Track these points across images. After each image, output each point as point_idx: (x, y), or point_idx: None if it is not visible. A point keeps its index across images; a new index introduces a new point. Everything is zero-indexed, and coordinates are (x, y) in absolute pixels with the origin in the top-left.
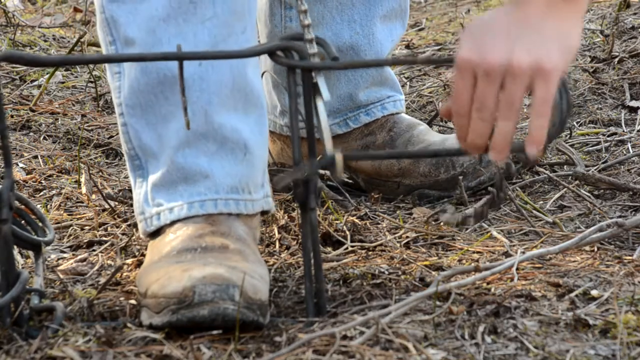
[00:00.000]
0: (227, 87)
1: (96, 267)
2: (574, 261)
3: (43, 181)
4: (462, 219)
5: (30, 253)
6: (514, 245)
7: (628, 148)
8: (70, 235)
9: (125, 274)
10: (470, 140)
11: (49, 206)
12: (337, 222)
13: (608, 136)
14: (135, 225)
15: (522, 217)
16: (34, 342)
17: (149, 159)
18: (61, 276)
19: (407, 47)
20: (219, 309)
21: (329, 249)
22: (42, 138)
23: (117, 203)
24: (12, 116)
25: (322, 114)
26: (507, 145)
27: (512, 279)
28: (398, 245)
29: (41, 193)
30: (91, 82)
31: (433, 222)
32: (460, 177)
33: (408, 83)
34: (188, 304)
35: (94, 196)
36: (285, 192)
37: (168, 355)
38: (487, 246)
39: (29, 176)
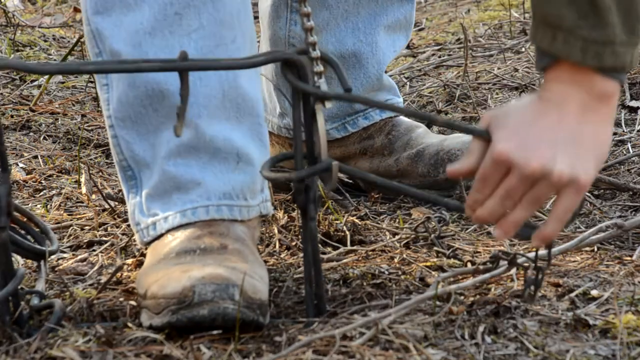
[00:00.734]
0: (216, 98)
1: (96, 267)
2: (574, 261)
3: (43, 181)
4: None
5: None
6: (514, 245)
7: (628, 148)
8: (70, 235)
9: (125, 274)
10: (481, 215)
11: (49, 206)
12: (337, 222)
13: None
14: None
15: None
16: (33, 342)
17: (142, 169)
18: (61, 276)
19: (407, 47)
20: (219, 309)
21: (329, 249)
22: (42, 138)
23: (117, 203)
24: (12, 116)
25: (320, 121)
26: (515, 229)
27: (511, 280)
28: (398, 245)
29: (41, 193)
30: (91, 82)
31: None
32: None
33: (408, 83)
34: (188, 304)
35: (94, 196)
36: (285, 192)
37: (168, 355)
38: (488, 246)
39: (29, 176)
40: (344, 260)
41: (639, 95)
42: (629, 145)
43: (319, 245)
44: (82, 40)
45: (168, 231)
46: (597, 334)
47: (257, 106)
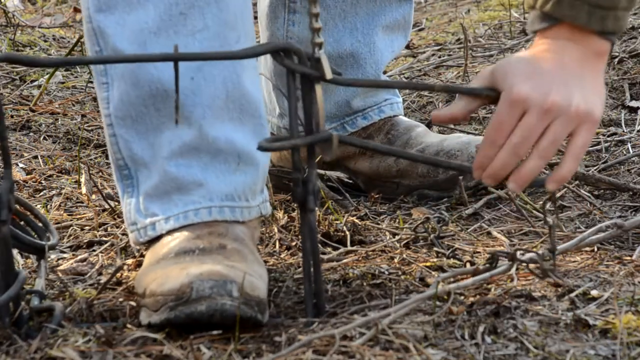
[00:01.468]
0: (220, 99)
1: (96, 267)
2: (574, 261)
3: (43, 181)
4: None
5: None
6: (514, 245)
7: (628, 148)
8: (70, 235)
9: (125, 274)
10: (493, 171)
11: (49, 206)
12: (337, 222)
13: (608, 136)
14: None
15: (522, 217)
16: (33, 343)
17: (140, 169)
18: (61, 276)
19: (407, 47)
20: (216, 305)
21: (329, 249)
22: (42, 138)
23: (117, 203)
24: (12, 116)
25: (319, 92)
26: (530, 180)
27: (511, 279)
28: (398, 245)
29: (41, 193)
30: (91, 82)
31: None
32: (460, 177)
33: None
34: (186, 300)
35: (94, 196)
36: (285, 192)
37: (168, 355)
38: (488, 246)
39: (29, 176)
40: (344, 260)
41: (639, 95)
42: (629, 145)
43: (319, 246)
44: (82, 40)
45: (168, 232)
46: (597, 334)
47: (260, 107)
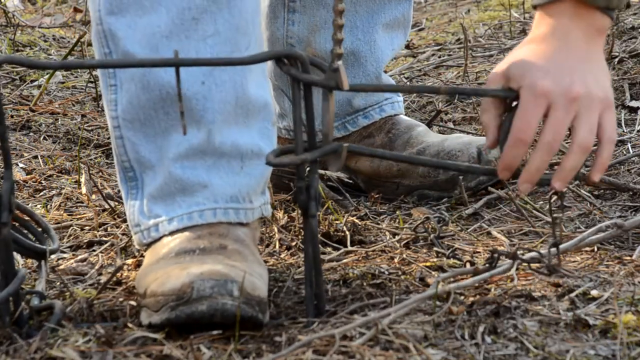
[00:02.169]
0: (230, 103)
1: (96, 267)
2: (574, 261)
3: (43, 181)
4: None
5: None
6: (514, 245)
7: (628, 148)
8: (70, 235)
9: (125, 274)
10: (529, 175)
11: (49, 206)
12: (337, 222)
13: None
14: None
15: (522, 217)
16: (33, 342)
17: (146, 171)
18: (61, 276)
19: (407, 47)
20: (217, 304)
21: (329, 249)
22: (42, 138)
23: (117, 203)
24: (12, 116)
25: (331, 104)
26: (572, 176)
27: (512, 280)
28: (398, 245)
29: (41, 193)
30: (91, 82)
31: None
32: (460, 177)
33: (408, 83)
34: (186, 300)
35: (94, 196)
36: (285, 192)
37: (168, 355)
38: (488, 246)
39: (29, 176)
40: (344, 261)
41: (639, 95)
42: (629, 145)
43: (319, 246)
44: (82, 40)
45: (170, 233)
46: (597, 334)
47: (265, 111)
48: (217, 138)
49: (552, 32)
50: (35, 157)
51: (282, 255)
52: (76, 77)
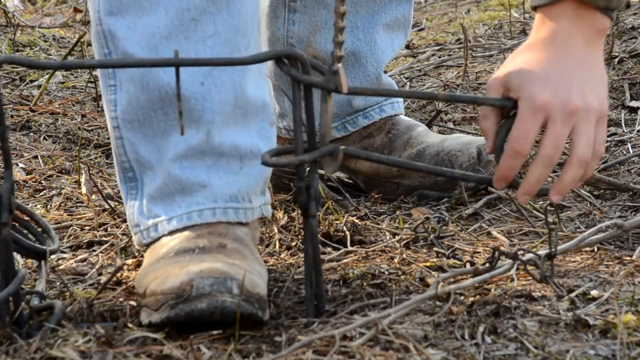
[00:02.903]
0: (229, 104)
1: (96, 267)
2: (574, 261)
3: (43, 181)
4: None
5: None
6: (514, 245)
7: (628, 148)
8: (70, 235)
9: (125, 274)
10: (529, 187)
11: (49, 206)
12: (337, 222)
13: (608, 136)
14: None
15: (522, 217)
16: (33, 342)
17: (145, 171)
18: (61, 276)
19: (407, 47)
20: (217, 302)
21: (329, 249)
22: (42, 138)
23: (117, 203)
24: (12, 116)
25: (330, 106)
26: (568, 190)
27: (511, 280)
28: (398, 245)
29: (41, 193)
30: (91, 82)
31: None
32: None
33: (408, 83)
34: (186, 298)
35: (94, 196)
36: (285, 192)
37: (168, 355)
38: (488, 246)
39: (29, 176)
40: (344, 261)
41: (639, 95)
42: (629, 145)
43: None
44: (82, 40)
45: (170, 233)
46: (597, 334)
47: (264, 112)
48: (217, 138)
49: (552, 37)
50: (35, 157)
51: (282, 255)
52: (76, 77)
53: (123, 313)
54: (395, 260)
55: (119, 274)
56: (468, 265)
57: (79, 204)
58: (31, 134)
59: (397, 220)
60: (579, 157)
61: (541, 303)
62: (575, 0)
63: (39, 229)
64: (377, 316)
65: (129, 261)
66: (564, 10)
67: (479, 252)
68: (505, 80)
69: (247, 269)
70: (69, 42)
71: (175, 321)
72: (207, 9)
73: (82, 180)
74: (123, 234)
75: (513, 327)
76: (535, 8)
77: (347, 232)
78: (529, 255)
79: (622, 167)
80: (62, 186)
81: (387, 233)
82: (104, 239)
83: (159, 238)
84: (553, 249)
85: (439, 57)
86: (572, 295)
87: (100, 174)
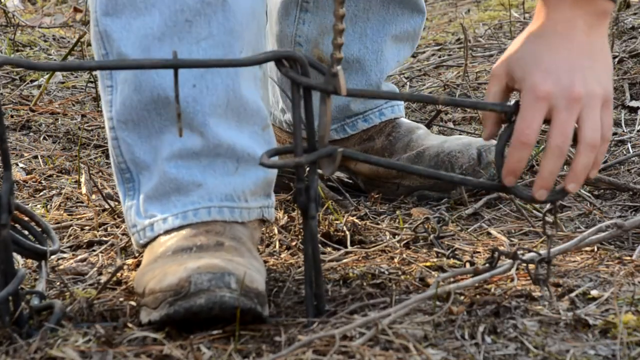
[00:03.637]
0: (221, 107)
1: (96, 267)
2: (574, 261)
3: (43, 181)
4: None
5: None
6: (514, 245)
7: (628, 148)
8: (70, 235)
9: (125, 274)
10: (544, 181)
11: (49, 206)
12: (337, 222)
13: None
14: None
15: (522, 217)
16: (33, 342)
17: (142, 172)
18: (61, 276)
19: None
20: (215, 297)
21: (329, 249)
22: (42, 138)
23: (117, 203)
24: (12, 116)
25: (329, 107)
26: (584, 177)
27: (512, 280)
28: (398, 245)
29: (41, 193)
30: (91, 82)
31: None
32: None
33: (408, 83)
34: (185, 294)
35: (94, 196)
36: (285, 192)
37: (168, 355)
38: (488, 246)
39: (29, 176)
40: (344, 261)
41: (639, 95)
42: (629, 145)
43: (319, 246)
44: (82, 40)
45: (165, 232)
46: (597, 334)
47: (257, 115)
48: (212, 140)
49: (552, 25)
50: (35, 157)
51: (282, 255)
52: (76, 77)
53: (123, 313)
54: (395, 260)
55: (119, 274)
56: (468, 265)
57: (79, 204)
58: (31, 134)
59: (397, 220)
60: (587, 142)
61: (541, 303)
62: None
63: (39, 229)
64: (377, 316)
65: (129, 261)
66: None
67: (479, 252)
68: (507, 70)
69: (245, 264)
70: (69, 42)
71: (175, 318)
72: (202, 11)
73: (82, 180)
74: (123, 234)
75: (513, 327)
76: None
77: (347, 232)
78: (528, 255)
79: (622, 167)
80: (62, 186)
81: (387, 233)
82: (104, 238)
83: (156, 237)
84: (549, 254)
85: (439, 57)
86: (572, 295)
87: (100, 173)
